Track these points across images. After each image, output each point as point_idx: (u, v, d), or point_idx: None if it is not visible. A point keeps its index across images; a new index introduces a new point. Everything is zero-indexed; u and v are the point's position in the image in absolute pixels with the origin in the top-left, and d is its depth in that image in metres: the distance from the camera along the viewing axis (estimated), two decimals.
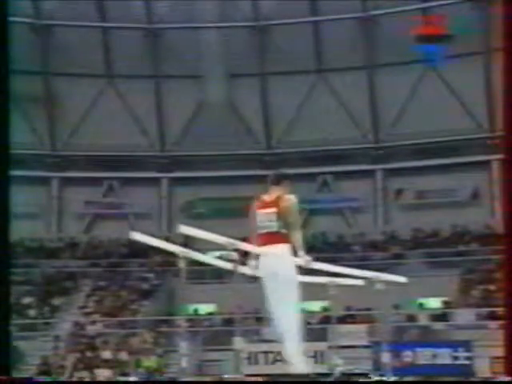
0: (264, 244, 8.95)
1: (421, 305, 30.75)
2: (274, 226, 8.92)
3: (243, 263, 9.20)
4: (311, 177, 36.90)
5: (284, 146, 37.53)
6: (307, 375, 9.37)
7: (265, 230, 8.96)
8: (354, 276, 12.25)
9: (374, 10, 35.42)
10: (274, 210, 8.98)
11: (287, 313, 8.93)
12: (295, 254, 9.05)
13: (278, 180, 9.27)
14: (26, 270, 32.63)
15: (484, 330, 26.77)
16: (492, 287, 28.50)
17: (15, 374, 22.73)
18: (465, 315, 28.93)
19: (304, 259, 9.01)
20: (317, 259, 10.70)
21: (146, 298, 32.45)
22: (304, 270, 10.42)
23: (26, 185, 30.81)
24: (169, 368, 27.23)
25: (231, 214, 34.63)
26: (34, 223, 35.65)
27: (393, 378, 13.15)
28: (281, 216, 8.90)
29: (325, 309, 28.69)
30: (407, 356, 26.95)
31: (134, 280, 33.47)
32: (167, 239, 26.25)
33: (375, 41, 35.76)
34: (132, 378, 26.38)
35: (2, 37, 6.41)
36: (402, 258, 32.99)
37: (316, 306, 30.53)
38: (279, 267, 8.86)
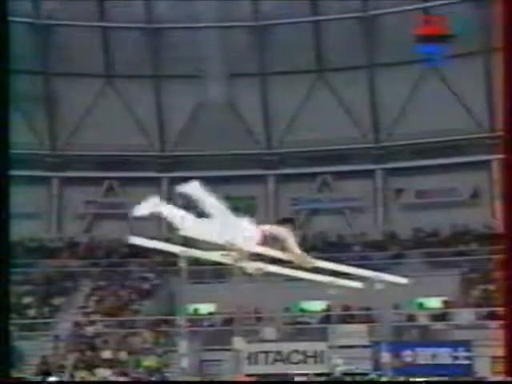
0: None
1: (421, 305, 30.76)
2: None
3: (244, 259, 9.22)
4: (311, 177, 36.94)
5: (284, 145, 37.54)
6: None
7: None
8: (354, 276, 12.25)
9: (374, 10, 35.43)
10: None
11: None
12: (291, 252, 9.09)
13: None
14: (26, 270, 32.62)
15: (484, 329, 26.77)
16: (492, 287, 28.50)
17: (15, 374, 22.78)
18: (465, 315, 28.93)
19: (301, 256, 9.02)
20: (317, 259, 10.72)
21: (145, 297, 32.46)
22: (305, 270, 10.44)
23: (26, 185, 30.80)
24: (169, 368, 27.24)
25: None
26: (34, 223, 35.63)
27: (392, 378, 13.16)
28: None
29: (325, 309, 28.75)
30: (407, 356, 26.97)
31: (134, 280, 33.48)
32: (167, 239, 26.31)
33: (375, 41, 35.76)
34: (132, 378, 26.41)
35: (2, 37, 6.41)
36: (402, 258, 32.99)
37: (316, 305, 30.57)
38: None
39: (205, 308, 31.74)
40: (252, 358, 27.55)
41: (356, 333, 27.55)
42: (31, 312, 31.62)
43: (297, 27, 36.14)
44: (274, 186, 37.41)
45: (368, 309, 28.60)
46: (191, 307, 30.62)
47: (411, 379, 22.82)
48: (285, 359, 28.11)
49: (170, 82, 37.18)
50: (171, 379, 25.48)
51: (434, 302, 30.81)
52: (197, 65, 36.25)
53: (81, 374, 26.86)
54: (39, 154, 37.09)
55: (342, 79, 36.18)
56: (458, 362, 26.76)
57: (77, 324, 30.63)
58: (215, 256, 9.57)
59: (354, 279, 12.67)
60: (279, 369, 27.68)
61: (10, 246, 6.44)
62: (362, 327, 28.09)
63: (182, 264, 8.97)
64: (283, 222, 9.48)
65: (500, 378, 15.98)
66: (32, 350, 28.22)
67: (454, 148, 35.26)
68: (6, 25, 6.46)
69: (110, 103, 37.03)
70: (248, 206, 33.44)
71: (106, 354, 28.47)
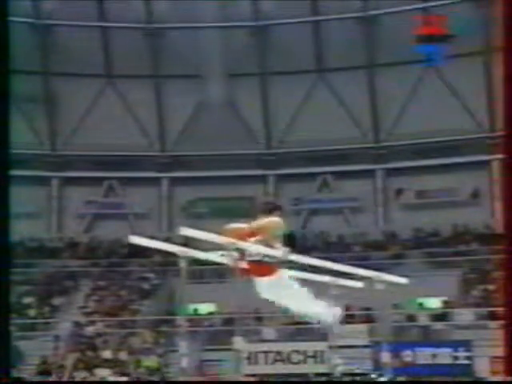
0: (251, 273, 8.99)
1: (421, 305, 30.75)
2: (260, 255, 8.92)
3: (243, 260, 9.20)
4: (311, 177, 36.94)
5: (284, 145, 37.55)
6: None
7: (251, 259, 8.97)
8: (354, 276, 12.24)
9: (374, 10, 35.43)
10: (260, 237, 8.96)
11: None
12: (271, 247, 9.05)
13: (269, 210, 9.19)
14: (26, 270, 32.61)
15: (484, 329, 26.77)
16: (492, 287, 28.50)
17: (15, 374, 22.77)
18: (465, 315, 28.93)
19: (282, 251, 8.98)
20: (317, 259, 10.72)
21: (146, 297, 32.46)
22: (304, 269, 10.43)
23: (26, 185, 30.81)
24: (169, 368, 27.23)
25: (231, 214, 34.62)
26: (34, 223, 35.64)
27: (392, 378, 13.14)
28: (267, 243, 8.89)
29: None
30: (407, 356, 26.95)
31: (134, 280, 33.48)
32: (167, 239, 26.32)
33: (375, 41, 35.77)
34: (132, 378, 26.40)
35: (2, 37, 6.39)
36: (402, 258, 33.00)
37: None
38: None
39: (205, 308, 31.73)
40: (252, 358, 27.53)
41: (356, 333, 27.53)
42: (31, 312, 31.62)
43: (297, 27, 36.15)
44: (273, 186, 37.40)
45: (368, 309, 28.60)
46: (191, 307, 30.63)
47: (411, 379, 22.82)
48: (285, 359, 28.09)
49: (170, 82, 37.19)
50: (171, 379, 25.46)
51: (434, 302, 30.80)
52: (197, 65, 36.27)
53: (81, 374, 26.85)
54: (39, 154, 37.10)
55: (341, 79, 36.20)
56: (458, 361, 26.75)
57: (77, 324, 30.62)
58: (215, 256, 9.55)
59: (354, 279, 12.67)
60: (279, 369, 27.67)
61: (10, 246, 6.43)
62: (362, 327, 28.08)
63: (182, 264, 8.96)
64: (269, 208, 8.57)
65: (500, 378, 15.97)
66: (32, 349, 28.20)
67: (453, 148, 35.27)
68: (6, 25, 6.45)
69: (110, 103, 37.04)
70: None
71: (106, 354, 28.46)
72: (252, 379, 24.46)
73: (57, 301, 32.42)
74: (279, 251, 8.97)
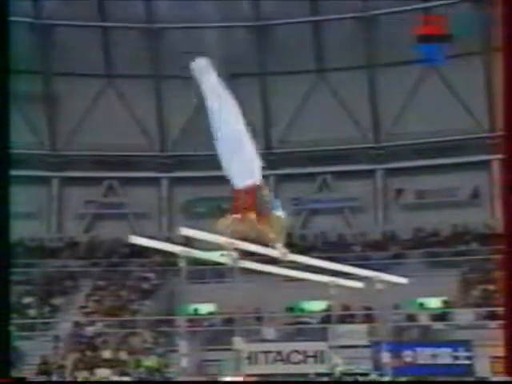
0: None
1: (421, 305, 30.75)
2: None
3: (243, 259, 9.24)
4: (311, 177, 36.93)
5: (284, 145, 37.54)
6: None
7: None
8: (354, 276, 12.25)
9: (374, 10, 35.43)
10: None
11: None
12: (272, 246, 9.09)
13: None
14: (26, 270, 32.61)
15: (484, 329, 26.77)
16: (492, 287, 28.50)
17: (15, 374, 22.76)
18: (465, 315, 28.93)
19: (281, 251, 9.01)
20: (317, 259, 10.73)
21: (146, 297, 32.45)
22: (304, 269, 10.45)
23: (26, 185, 30.79)
24: (169, 368, 27.23)
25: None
26: (34, 223, 35.65)
27: (392, 378, 13.16)
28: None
29: (325, 309, 28.74)
30: (407, 356, 26.96)
31: (134, 280, 33.47)
32: (167, 239, 26.30)
33: (375, 41, 35.76)
34: (132, 378, 26.41)
35: (2, 37, 6.40)
36: (402, 258, 32.99)
37: (316, 305, 30.56)
38: None
39: (205, 308, 31.73)
40: (252, 358, 27.53)
41: (356, 333, 27.54)
42: (31, 312, 31.62)
43: (297, 27, 36.16)
44: (273, 185, 37.36)
45: (368, 309, 28.60)
46: (191, 307, 30.64)
47: (411, 379, 22.82)
48: (285, 359, 28.09)
49: (170, 82, 37.17)
50: (171, 379, 25.47)
51: (434, 302, 30.80)
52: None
53: (81, 374, 26.86)
54: (39, 154, 37.09)
55: (341, 79, 36.19)
56: (458, 361, 26.75)
57: (77, 324, 30.62)
58: (215, 256, 9.57)
59: (354, 279, 12.67)
60: (279, 369, 27.68)
61: (10, 246, 6.43)
62: (362, 327, 28.09)
63: (182, 264, 8.97)
64: None
65: (500, 378, 15.98)
66: (32, 349, 28.21)
67: (454, 148, 35.26)
68: (6, 25, 6.46)
69: (110, 103, 37.03)
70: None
71: (106, 354, 28.46)
72: (252, 379, 24.42)
73: (57, 301, 32.42)
74: (278, 250, 8.99)
